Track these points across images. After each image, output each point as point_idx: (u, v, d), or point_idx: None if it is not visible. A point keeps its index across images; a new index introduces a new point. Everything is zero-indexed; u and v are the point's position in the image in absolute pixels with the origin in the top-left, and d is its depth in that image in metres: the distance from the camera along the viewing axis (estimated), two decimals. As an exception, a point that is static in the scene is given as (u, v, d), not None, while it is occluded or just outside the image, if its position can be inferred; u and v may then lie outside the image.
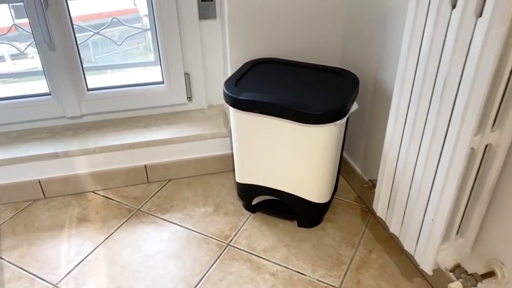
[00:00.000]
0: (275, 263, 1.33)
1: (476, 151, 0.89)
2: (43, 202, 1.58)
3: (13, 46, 1.63)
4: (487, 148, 0.91)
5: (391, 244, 1.39)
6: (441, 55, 0.88)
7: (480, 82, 0.79)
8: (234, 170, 1.73)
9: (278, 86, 1.28)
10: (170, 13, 1.50)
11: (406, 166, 1.06)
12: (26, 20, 1.46)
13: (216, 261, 1.33)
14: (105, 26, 1.63)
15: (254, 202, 1.48)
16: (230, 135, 1.62)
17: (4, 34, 1.57)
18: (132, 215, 1.51)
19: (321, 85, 1.29)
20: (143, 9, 1.66)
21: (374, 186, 1.28)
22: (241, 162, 1.39)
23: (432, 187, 0.99)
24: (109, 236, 1.42)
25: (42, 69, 1.54)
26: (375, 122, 1.40)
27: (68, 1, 1.45)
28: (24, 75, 1.71)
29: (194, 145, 1.61)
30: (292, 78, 1.33)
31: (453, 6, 0.83)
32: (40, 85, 1.61)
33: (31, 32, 1.46)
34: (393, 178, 1.13)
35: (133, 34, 1.73)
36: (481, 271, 1.03)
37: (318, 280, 1.27)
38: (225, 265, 1.32)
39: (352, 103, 1.26)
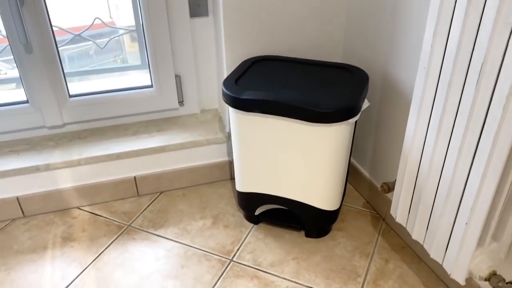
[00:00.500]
0: (284, 278, 1.20)
1: (519, 144, 0.79)
2: (22, 221, 1.42)
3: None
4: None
5: (408, 252, 1.28)
6: (476, 37, 0.78)
7: (529, 63, 0.69)
8: (232, 178, 1.60)
9: (282, 84, 1.17)
10: (158, 10, 1.38)
11: (432, 166, 0.96)
12: (-1, 21, 1.32)
13: (219, 279, 1.20)
14: (65, 43, 1.49)
15: (257, 212, 1.36)
16: (227, 141, 1.50)
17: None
18: (122, 232, 1.37)
19: (329, 82, 1.19)
20: (120, 22, 1.57)
21: (390, 189, 1.18)
22: (242, 169, 1.27)
23: (465, 187, 0.88)
24: (98, 256, 1.28)
25: (18, 75, 1.40)
26: (384, 121, 1.30)
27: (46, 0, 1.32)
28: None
29: (188, 152, 1.49)
30: (296, 76, 1.23)
31: (492, -20, 0.73)
32: (17, 93, 1.47)
33: (4, 33, 1.32)
34: (416, 180, 1.03)
35: (115, 37, 1.61)
36: (521, 279, 0.93)
37: (334, 295, 1.15)
38: (230, 283, 1.19)
39: (364, 99, 1.15)
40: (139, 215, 1.44)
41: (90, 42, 1.64)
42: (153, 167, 1.48)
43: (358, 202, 1.49)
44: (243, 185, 1.31)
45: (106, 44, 1.61)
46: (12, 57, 1.38)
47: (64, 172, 1.40)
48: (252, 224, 1.39)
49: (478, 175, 0.84)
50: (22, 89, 1.43)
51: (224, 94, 1.15)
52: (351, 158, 1.54)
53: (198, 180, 1.55)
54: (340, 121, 1.08)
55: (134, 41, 1.64)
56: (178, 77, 1.51)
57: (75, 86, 1.53)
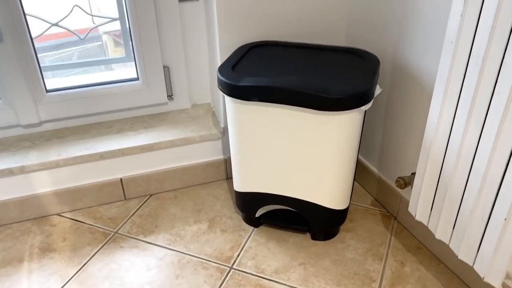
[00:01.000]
0: (291, 286, 1.08)
1: None
2: (-5, 231, 1.28)
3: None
4: None
5: (424, 253, 1.17)
6: (519, 1, 0.67)
7: None
8: (228, 178, 1.48)
9: (284, 70, 1.05)
10: (143, -6, 1.25)
11: (461, 156, 0.84)
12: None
13: (218, 290, 1.07)
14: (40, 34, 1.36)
15: (257, 214, 1.23)
16: (222, 137, 1.37)
17: None
18: (108, 239, 1.23)
19: (336, 67, 1.07)
20: (104, 27, 1.45)
21: (406, 183, 1.06)
22: (241, 166, 1.15)
23: (503, 178, 0.77)
24: (81, 268, 1.14)
25: (-13, 68, 1.26)
26: (395, 110, 1.19)
27: (17, -18, 1.18)
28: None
29: (179, 151, 1.35)
30: (299, 61, 1.10)
31: None
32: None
33: (-30, 20, 1.18)
34: (440, 172, 0.91)
35: (96, 26, 1.47)
36: None
37: (348, 304, 1.03)
38: (231, 294, 1.06)
39: (376, 85, 1.04)
40: (126, 221, 1.30)
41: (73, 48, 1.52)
42: (141, 168, 1.35)
43: (365, 200, 1.37)
44: (242, 184, 1.18)
45: (86, 34, 1.47)
46: (-20, 47, 1.24)
47: (42, 175, 1.25)
48: (252, 227, 1.27)
49: (521, 163, 0.72)
50: (-7, 83, 1.28)
51: (220, 82, 1.03)
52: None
53: (191, 180, 1.42)
54: (352, 109, 0.96)
55: (118, 46, 1.53)
56: (166, 68, 1.38)
57: (53, 81, 1.39)
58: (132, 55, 1.36)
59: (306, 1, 1.25)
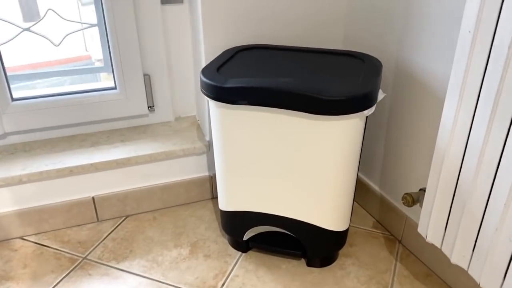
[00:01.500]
0: (284, 321, 0.93)
1: None
2: None
3: None
4: None
5: (434, 280, 1.03)
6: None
7: None
8: (213, 198, 1.34)
9: (276, 71, 0.94)
10: (122, -6, 1.14)
11: (482, 163, 0.72)
12: None
13: (199, 325, 0.92)
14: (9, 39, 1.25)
15: (245, 237, 1.09)
16: (207, 151, 1.24)
17: None
18: (75, 266, 1.08)
19: (334, 69, 0.96)
20: (97, 55, 1.35)
21: (414, 201, 0.93)
22: (227, 181, 1.01)
23: (535, 188, 0.65)
24: (40, 300, 0.98)
25: None
26: (398, 119, 1.07)
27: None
28: None
29: (159, 166, 1.22)
30: (293, 63, 0.99)
31: None
32: None
33: None
34: (456, 185, 0.79)
35: (72, 33, 1.35)
36: None
37: None
38: (213, 330, 0.91)
39: (379, 88, 0.92)
40: (98, 245, 1.15)
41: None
42: (116, 185, 1.20)
43: (367, 222, 1.23)
44: (228, 202, 1.05)
45: (62, 41, 1.35)
46: None
47: (2, 192, 1.11)
48: (239, 252, 1.12)
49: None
50: (-49, 90, 1.15)
51: (204, 84, 0.91)
52: (356, 170, 1.30)
53: (172, 200, 1.28)
54: (353, 113, 0.84)
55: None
56: (147, 77, 1.26)
57: (20, 89, 1.26)
58: (110, 61, 1.24)
59: (298, 2, 1.15)
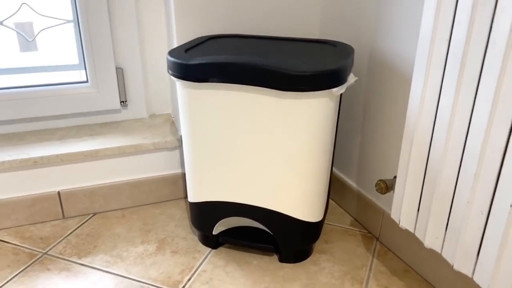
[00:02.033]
0: (251, 315, 0.87)
1: None
2: None
3: None
4: None
5: (412, 276, 0.98)
6: None
7: None
8: (186, 197, 1.29)
9: (246, 52, 0.91)
10: (95, -16, 1.13)
11: (451, 134, 0.69)
12: None
13: (160, 319, 0.86)
14: None
15: (215, 231, 1.04)
16: (180, 146, 1.21)
17: None
18: (34, 261, 1.02)
19: (305, 53, 0.94)
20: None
21: (388, 187, 0.90)
22: (195, 169, 0.97)
23: (504, 154, 0.61)
24: (-8, 294, 0.92)
25: None
26: (373, 109, 1.05)
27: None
28: None
29: (129, 161, 1.18)
30: (265, 48, 0.97)
31: None
32: None
33: None
34: (427, 161, 0.75)
35: (46, 28, 1.33)
36: None
37: (320, 335, 0.83)
38: (175, 323, 0.85)
39: (350, 69, 0.90)
40: (60, 241, 1.09)
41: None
42: (83, 180, 1.16)
43: (344, 220, 1.19)
44: (196, 193, 1.00)
45: (35, 37, 1.33)
46: None
47: (-39, 183, 1.06)
48: (209, 249, 1.07)
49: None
50: None
51: (170, 64, 0.88)
52: (333, 168, 1.26)
53: (142, 198, 1.23)
54: (321, 89, 0.81)
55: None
56: (120, 70, 1.23)
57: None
58: (82, 55, 1.21)
59: (274, -4, 1.15)
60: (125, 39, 1.21)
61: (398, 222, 0.84)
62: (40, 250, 1.06)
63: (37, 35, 1.34)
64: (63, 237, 1.10)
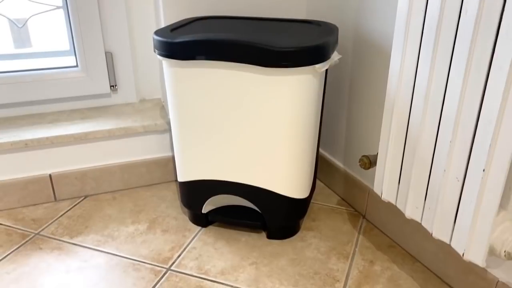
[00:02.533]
0: (238, 287, 0.89)
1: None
2: None
3: None
4: None
5: (397, 251, 1.00)
6: None
7: None
8: (177, 180, 1.31)
9: (232, 31, 0.93)
10: (83, -32, 1.14)
11: (428, 102, 0.71)
12: None
13: (149, 292, 0.88)
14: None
15: (205, 210, 1.06)
16: (170, 129, 1.22)
17: None
18: (26, 241, 1.04)
19: (290, 32, 0.95)
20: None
21: (371, 163, 0.92)
22: (183, 148, 0.99)
23: (477, 123, 0.63)
24: (-15, 272, 0.94)
25: None
26: (359, 89, 1.07)
27: None
28: None
29: (119, 144, 1.19)
30: (250, 27, 0.99)
31: None
32: None
33: None
34: (406, 132, 0.77)
35: (39, 13, 1.34)
36: None
37: (305, 304, 0.85)
38: (164, 297, 0.87)
39: (334, 47, 0.92)
40: (52, 222, 1.11)
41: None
42: (74, 162, 1.17)
43: (331, 199, 1.21)
44: (184, 172, 1.02)
45: (25, 23, 1.34)
46: None
47: (-47, 166, 1.08)
48: (199, 227, 1.09)
49: (496, 102, 0.59)
50: None
51: (156, 42, 0.90)
52: (320, 149, 1.28)
53: (133, 181, 1.24)
54: (303, 65, 0.83)
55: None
56: (109, 54, 1.25)
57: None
58: (71, 39, 1.23)
59: (260, -21, 1.16)
60: (114, 23, 1.22)
61: (380, 195, 0.86)
62: (32, 231, 1.07)
63: (27, 20, 1.35)
64: (55, 219, 1.12)
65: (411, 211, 0.79)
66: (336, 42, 0.95)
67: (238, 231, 1.07)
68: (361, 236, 1.06)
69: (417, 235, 0.95)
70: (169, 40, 0.87)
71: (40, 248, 1.01)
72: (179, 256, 0.99)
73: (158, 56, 0.90)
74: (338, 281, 0.91)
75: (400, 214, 0.98)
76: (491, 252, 0.68)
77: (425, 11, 0.68)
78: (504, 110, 0.59)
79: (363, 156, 0.92)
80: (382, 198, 0.86)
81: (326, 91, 1.19)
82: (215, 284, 0.90)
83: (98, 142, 1.17)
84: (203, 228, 1.08)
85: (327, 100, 1.20)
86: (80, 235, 1.06)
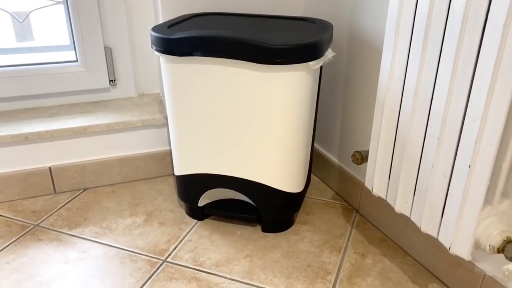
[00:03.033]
0: (233, 279, 0.92)
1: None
2: None
3: None
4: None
5: (389, 245, 1.02)
6: None
7: None
8: (174, 173, 1.33)
9: (228, 28, 0.95)
10: (82, -36, 1.16)
11: (418, 97, 0.73)
12: None
13: (146, 283, 0.90)
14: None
15: (201, 203, 1.08)
16: (167, 123, 1.24)
17: None
18: (26, 232, 1.06)
19: (285, 29, 0.97)
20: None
21: (363, 158, 0.94)
22: (179, 143, 1.01)
23: (464, 120, 0.65)
24: (-15, 262, 0.96)
25: None
26: (354, 86, 1.08)
27: None
28: None
29: (118, 138, 1.21)
30: (246, 24, 1.00)
31: None
32: None
33: None
34: (396, 128, 0.79)
35: (39, 8, 1.36)
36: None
37: (297, 295, 0.87)
38: (160, 287, 0.89)
39: (328, 45, 0.94)
40: (52, 214, 1.13)
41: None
42: (73, 156, 1.19)
43: (326, 194, 1.23)
44: (181, 165, 1.04)
45: (26, 17, 1.36)
46: None
47: (-46, 158, 1.10)
48: (195, 221, 1.11)
49: (481, 102, 0.61)
50: None
51: (153, 39, 0.91)
52: (315, 144, 1.30)
53: (132, 174, 1.26)
54: (297, 62, 0.84)
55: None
56: (108, 49, 1.26)
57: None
58: (71, 34, 1.24)
59: (257, -24, 1.17)
60: (113, 19, 1.24)
61: (371, 190, 0.88)
62: (32, 222, 1.10)
63: (28, 15, 1.36)
64: (54, 211, 1.14)
65: (400, 206, 0.81)
66: (330, 39, 0.97)
67: (233, 224, 1.09)
68: (354, 230, 1.08)
69: (408, 229, 0.97)
70: (166, 36, 0.88)
71: (40, 239, 1.03)
72: (175, 248, 1.01)
73: (156, 52, 0.92)
74: (330, 273, 0.93)
75: (392, 209, 1.00)
76: (477, 246, 0.70)
77: (414, 11, 0.70)
78: (489, 108, 0.61)
79: (355, 151, 0.94)
80: (373, 193, 0.88)
81: (321, 87, 1.21)
82: (210, 275, 0.92)
83: (97, 136, 1.19)
84: (199, 221, 1.10)
85: (322, 96, 1.22)
86: (79, 226, 1.08)
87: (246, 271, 0.94)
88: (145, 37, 1.30)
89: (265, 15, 1.10)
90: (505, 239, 0.68)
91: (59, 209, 1.15)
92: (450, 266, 0.87)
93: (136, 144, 1.24)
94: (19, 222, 1.10)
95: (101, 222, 1.10)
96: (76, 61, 1.26)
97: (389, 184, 0.84)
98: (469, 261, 0.83)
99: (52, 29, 1.39)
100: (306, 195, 1.22)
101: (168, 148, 1.28)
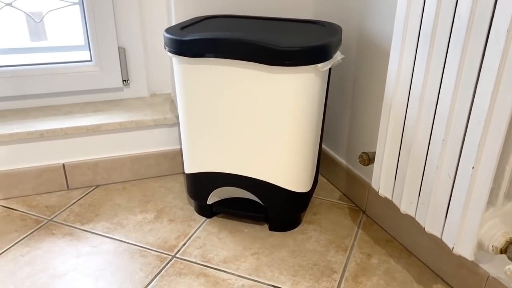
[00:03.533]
0: (240, 276, 0.94)
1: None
2: None
3: None
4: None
5: (394, 245, 1.04)
6: None
7: None
8: (184, 172, 1.35)
9: (239, 30, 0.97)
10: (98, -34, 1.19)
11: (424, 100, 0.74)
12: None
13: (155, 277, 0.93)
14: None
15: (210, 201, 1.10)
16: (179, 122, 1.27)
17: None
18: (40, 226, 1.09)
19: (295, 32, 0.99)
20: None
21: (370, 159, 0.95)
22: (190, 142, 1.03)
23: (468, 123, 0.67)
24: (1, 254, 0.99)
25: None
26: (363, 89, 1.10)
27: None
28: None
29: (130, 136, 1.24)
30: (257, 27, 1.02)
31: None
32: None
33: None
34: (403, 130, 0.81)
35: (56, 9, 1.39)
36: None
37: (302, 292, 0.89)
38: (169, 282, 0.91)
39: (337, 47, 0.95)
40: (65, 209, 1.16)
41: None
42: (86, 153, 1.22)
43: (333, 195, 1.25)
44: (191, 164, 1.06)
45: (42, 18, 1.39)
46: None
47: (-28, 153, 1.13)
48: (204, 218, 1.13)
49: (484, 106, 0.62)
50: None
51: (166, 40, 0.94)
52: (323, 145, 1.32)
53: (143, 172, 1.29)
54: (306, 64, 0.86)
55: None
56: (122, 50, 1.29)
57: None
58: (86, 33, 1.27)
59: (269, -21, 1.19)
60: (127, 20, 1.27)
61: (378, 190, 0.90)
62: (46, 217, 1.13)
63: (44, 15, 1.40)
64: (67, 206, 1.17)
65: (405, 206, 0.83)
66: (339, 42, 0.99)
67: (241, 222, 1.11)
68: (360, 231, 1.09)
69: (413, 230, 0.99)
70: (179, 38, 0.91)
71: (53, 234, 1.06)
72: (184, 244, 1.03)
73: (169, 53, 0.95)
74: (336, 272, 0.95)
75: (398, 210, 1.02)
76: (480, 246, 0.72)
77: (421, 15, 0.72)
78: (493, 111, 0.62)
79: (362, 153, 0.96)
80: (379, 193, 0.89)
81: (330, 89, 1.23)
82: (218, 272, 0.95)
83: (110, 134, 1.22)
84: (208, 219, 1.13)
85: (331, 98, 1.23)
86: (91, 222, 1.11)
87: (253, 268, 0.96)
88: (158, 38, 1.33)
89: (275, 18, 1.12)
90: (508, 240, 0.69)
91: (71, 205, 1.18)
92: (455, 267, 0.89)
93: (147, 143, 1.26)
94: (33, 217, 1.13)
95: (113, 218, 1.13)
96: (91, 60, 1.29)
97: (395, 185, 0.85)
98: (473, 262, 0.84)
99: (67, 29, 1.43)
100: (314, 195, 1.23)
101: (178, 147, 1.30)
